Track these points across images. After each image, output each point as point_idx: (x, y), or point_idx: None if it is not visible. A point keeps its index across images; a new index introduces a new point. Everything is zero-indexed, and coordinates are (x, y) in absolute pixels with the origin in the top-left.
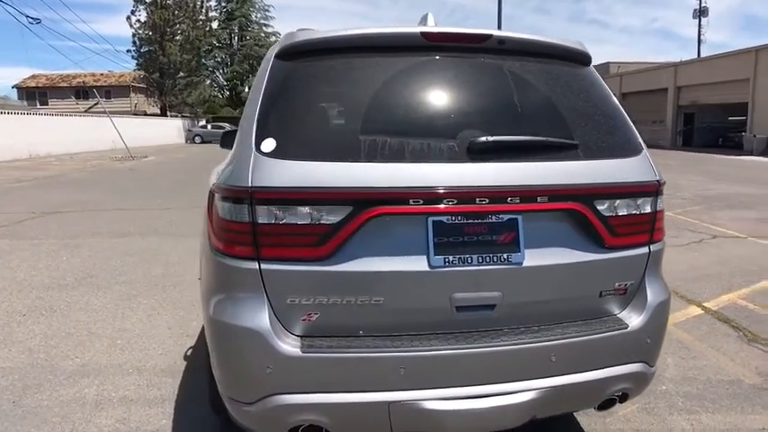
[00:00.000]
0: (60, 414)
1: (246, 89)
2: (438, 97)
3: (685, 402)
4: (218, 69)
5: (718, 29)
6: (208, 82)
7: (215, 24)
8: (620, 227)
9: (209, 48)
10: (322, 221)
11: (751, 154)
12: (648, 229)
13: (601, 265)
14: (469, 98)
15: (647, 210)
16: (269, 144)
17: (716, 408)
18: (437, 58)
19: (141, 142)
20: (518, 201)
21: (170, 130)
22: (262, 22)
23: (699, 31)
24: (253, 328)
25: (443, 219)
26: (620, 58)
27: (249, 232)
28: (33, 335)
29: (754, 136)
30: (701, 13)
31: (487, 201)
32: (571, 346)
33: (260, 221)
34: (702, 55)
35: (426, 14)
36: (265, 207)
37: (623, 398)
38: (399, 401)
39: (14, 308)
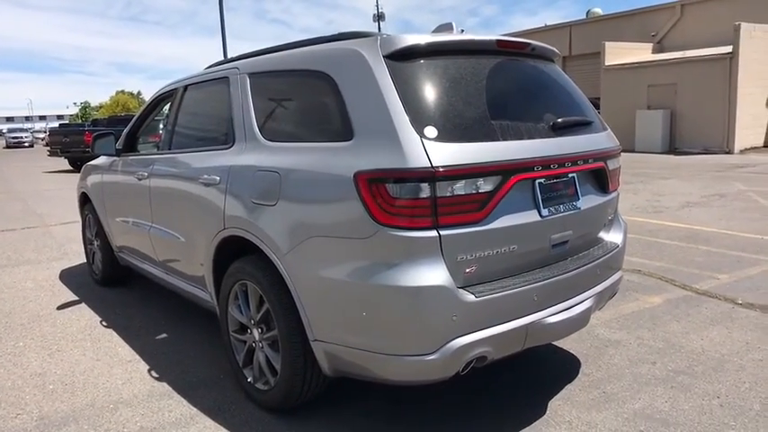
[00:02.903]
0: None
1: None
2: (519, 88)
3: None
4: None
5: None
6: None
7: None
8: (613, 178)
9: None
10: (480, 190)
11: None
12: (618, 178)
13: (607, 204)
14: (532, 88)
15: (618, 165)
16: (431, 131)
17: None
18: (504, 59)
19: None
20: (578, 163)
21: None
22: None
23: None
24: (439, 284)
25: (543, 180)
26: None
27: (429, 206)
28: None
29: None
30: (379, 17)
31: (565, 164)
32: (603, 262)
33: (439, 195)
34: None
35: (450, 23)
36: (444, 183)
37: (612, 296)
38: (533, 322)
39: None
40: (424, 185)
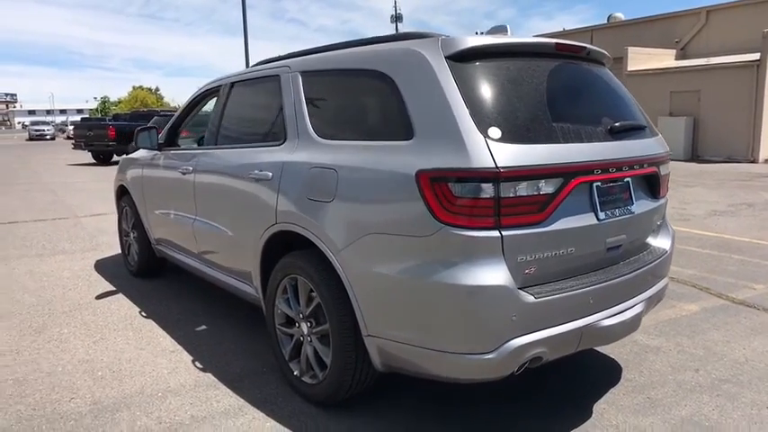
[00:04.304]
0: None
1: None
2: (577, 91)
3: None
4: None
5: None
6: None
7: None
8: (663, 184)
9: None
10: (541, 192)
11: None
12: (667, 184)
13: (657, 209)
14: (588, 91)
15: (668, 171)
16: (495, 132)
17: None
18: (561, 62)
19: None
20: (634, 167)
21: None
22: None
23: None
24: (501, 284)
25: (600, 184)
26: None
27: (493, 206)
28: None
29: None
30: (397, 18)
31: (622, 168)
32: (653, 268)
33: (502, 196)
34: None
35: (505, 26)
36: (507, 183)
37: (658, 302)
38: (588, 324)
39: None
40: (488, 186)
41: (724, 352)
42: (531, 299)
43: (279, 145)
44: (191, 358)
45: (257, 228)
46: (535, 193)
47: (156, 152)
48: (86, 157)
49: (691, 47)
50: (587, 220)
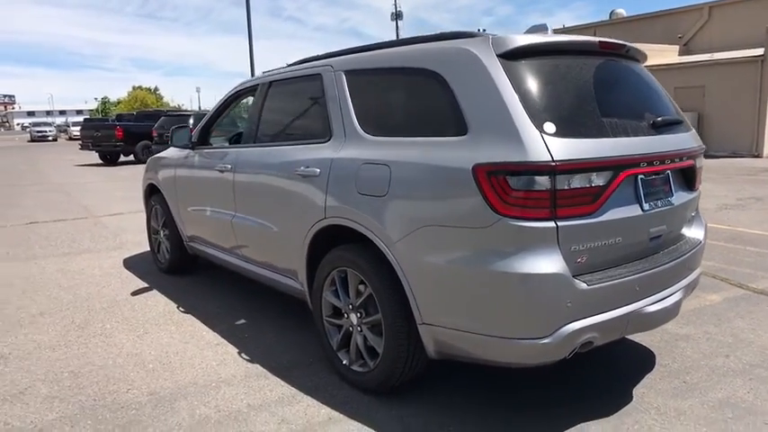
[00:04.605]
0: None
1: None
2: (620, 87)
3: None
4: None
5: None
6: None
7: None
8: (698, 176)
9: None
10: (593, 184)
11: None
12: (701, 177)
13: (692, 201)
14: (630, 87)
15: (702, 165)
16: (550, 126)
17: None
18: (604, 60)
19: None
20: (675, 161)
21: None
22: None
23: (397, 34)
24: (557, 272)
25: (644, 176)
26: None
27: (549, 198)
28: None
29: None
30: (398, 16)
31: (665, 161)
32: (689, 257)
33: (558, 188)
34: None
35: (545, 24)
36: (563, 176)
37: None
38: (635, 310)
39: None
40: (545, 178)
41: (751, 339)
42: (584, 286)
43: (324, 142)
44: (236, 350)
45: (304, 223)
46: (587, 185)
47: (189, 151)
48: (92, 157)
49: (694, 43)
50: (633, 211)
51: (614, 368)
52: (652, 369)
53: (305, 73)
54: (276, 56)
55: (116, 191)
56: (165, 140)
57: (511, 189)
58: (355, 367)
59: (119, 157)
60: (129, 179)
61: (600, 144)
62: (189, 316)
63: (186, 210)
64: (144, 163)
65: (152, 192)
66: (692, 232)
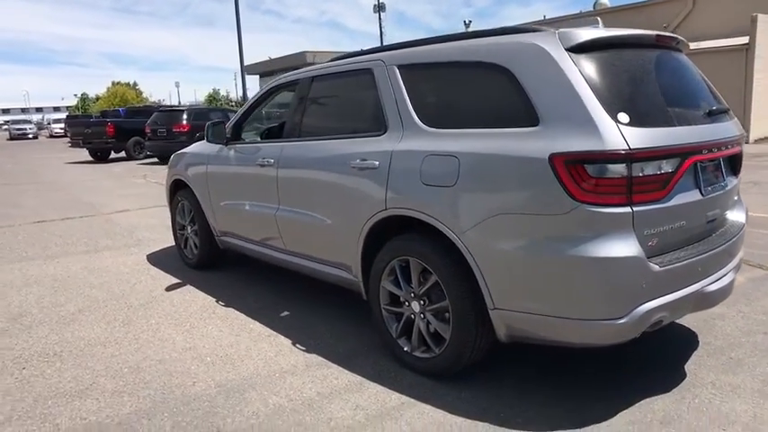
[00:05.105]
0: None
1: None
2: (676, 77)
3: None
4: None
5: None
6: None
7: None
8: (741, 162)
9: None
10: (662, 171)
11: None
12: (742, 162)
13: (737, 186)
14: (683, 78)
15: (743, 150)
16: (624, 116)
17: None
18: (660, 52)
19: None
20: (726, 147)
21: None
22: None
23: (380, 24)
24: (634, 255)
25: (702, 163)
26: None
27: (626, 185)
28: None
29: None
30: (380, 8)
31: (720, 149)
32: (737, 239)
33: (634, 175)
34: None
35: (597, 18)
36: (638, 164)
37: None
38: (698, 290)
39: None
40: (622, 166)
41: None
42: (656, 268)
43: (379, 135)
44: (289, 341)
45: (361, 215)
46: (658, 172)
47: (221, 146)
48: (82, 155)
49: (679, 32)
50: (694, 196)
51: (663, 348)
52: (697, 347)
53: (352, 68)
54: (256, 49)
55: (115, 188)
56: (159, 136)
57: (589, 176)
58: (417, 353)
59: (110, 153)
60: (125, 176)
61: (668, 133)
62: (231, 309)
63: (219, 204)
64: (135, 159)
65: (177, 188)
66: (736, 215)
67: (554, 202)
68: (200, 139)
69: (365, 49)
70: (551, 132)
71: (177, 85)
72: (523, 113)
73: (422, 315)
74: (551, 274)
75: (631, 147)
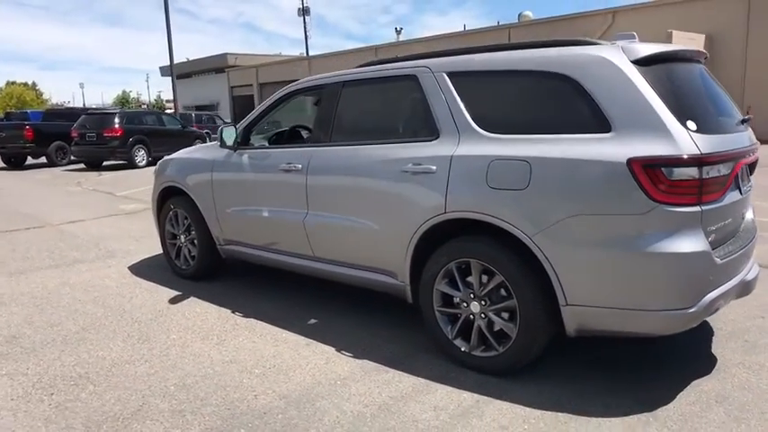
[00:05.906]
0: None
1: None
2: (712, 89)
3: None
4: None
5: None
6: None
7: None
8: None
9: None
10: (721, 173)
11: None
12: None
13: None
14: (715, 89)
15: None
16: (692, 124)
17: None
18: (698, 65)
19: None
20: (753, 153)
21: None
22: None
23: (305, 29)
24: (705, 250)
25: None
26: (227, 49)
27: (697, 186)
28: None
29: None
30: (305, 11)
31: (752, 153)
32: (756, 234)
33: (704, 177)
34: (311, 51)
35: (633, 33)
36: (707, 167)
37: None
38: (742, 279)
39: None
40: (695, 169)
41: None
42: (719, 260)
43: (431, 140)
44: (332, 349)
45: (414, 218)
46: (719, 174)
47: (227, 151)
48: None
49: None
50: (736, 196)
51: (687, 335)
52: (713, 333)
53: (392, 74)
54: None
55: (50, 197)
56: (88, 141)
57: (666, 179)
58: (477, 353)
59: (26, 159)
60: (55, 183)
61: (724, 139)
62: (253, 320)
63: (226, 212)
64: (58, 165)
65: (168, 196)
66: (749, 214)
67: (633, 203)
68: (139, 143)
69: (399, 56)
70: (626, 138)
71: (82, 86)
72: (594, 120)
73: (482, 315)
74: (631, 269)
75: (702, 152)
